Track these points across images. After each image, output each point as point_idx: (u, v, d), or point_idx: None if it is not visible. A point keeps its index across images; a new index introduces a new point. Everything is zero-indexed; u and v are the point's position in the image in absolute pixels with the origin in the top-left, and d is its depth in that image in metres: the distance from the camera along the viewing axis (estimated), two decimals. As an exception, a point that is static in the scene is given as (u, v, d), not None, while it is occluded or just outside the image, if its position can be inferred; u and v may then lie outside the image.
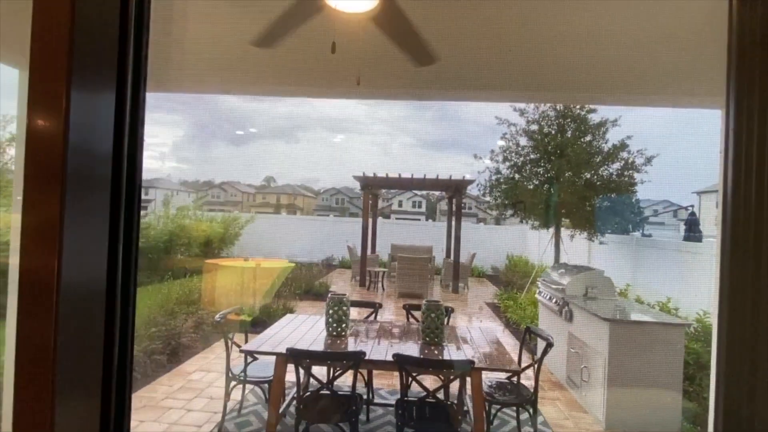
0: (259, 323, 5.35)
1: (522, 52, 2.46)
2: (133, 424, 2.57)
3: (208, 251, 9.79)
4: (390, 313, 7.38)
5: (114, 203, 0.47)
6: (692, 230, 8.19)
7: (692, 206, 9.26)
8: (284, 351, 2.70)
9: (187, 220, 9.96)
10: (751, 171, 0.51)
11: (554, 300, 4.80)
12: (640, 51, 2.36)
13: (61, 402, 0.37)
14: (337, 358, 2.87)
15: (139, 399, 3.74)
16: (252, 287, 6.23)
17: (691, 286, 5.77)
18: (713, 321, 2.86)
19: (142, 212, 10.00)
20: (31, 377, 0.40)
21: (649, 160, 7.01)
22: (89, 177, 0.45)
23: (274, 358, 2.95)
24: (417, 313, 3.79)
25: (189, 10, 1.89)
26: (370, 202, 11.20)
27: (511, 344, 5.66)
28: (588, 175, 7.25)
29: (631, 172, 7.14)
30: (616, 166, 7.19)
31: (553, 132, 7.41)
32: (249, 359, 3.40)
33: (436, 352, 3.09)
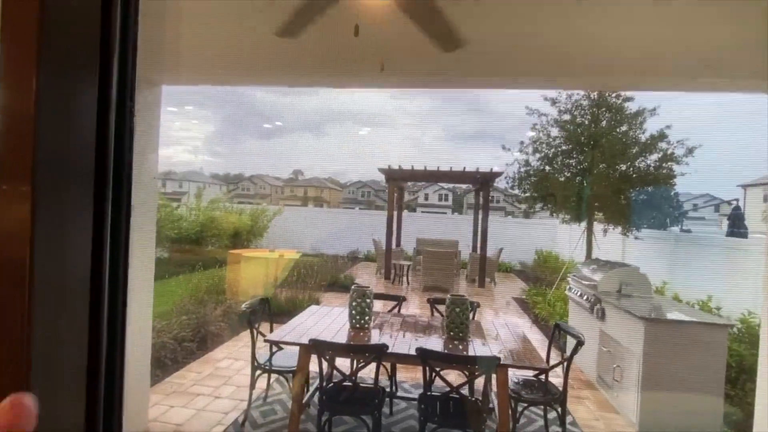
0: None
1: (554, 34, 2.34)
2: (163, 408, 2.63)
3: (237, 242, 10.02)
4: (415, 307, 7.34)
5: (99, 194, 0.44)
6: (737, 225, 7.72)
7: (737, 200, 8.73)
8: (307, 342, 2.70)
9: (217, 212, 10.21)
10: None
11: (585, 297, 4.63)
12: (681, 29, 2.19)
13: (38, 398, 0.34)
14: (359, 350, 2.86)
15: (169, 385, 3.86)
16: (275, 277, 6.32)
17: (735, 284, 5.44)
18: (764, 321, 2.66)
19: (175, 204, 10.29)
20: (3, 373, 0.37)
21: (690, 151, 6.60)
22: (67, 166, 0.42)
23: (298, 348, 2.97)
24: (441, 308, 3.73)
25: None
26: (396, 195, 11.14)
27: (538, 340, 5.52)
28: (623, 167, 6.90)
29: (670, 163, 6.75)
30: (654, 157, 6.81)
31: (586, 122, 7.10)
32: (274, 349, 3.44)
33: (460, 347, 3.02)
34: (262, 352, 3.42)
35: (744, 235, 7.11)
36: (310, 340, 2.66)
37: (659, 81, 2.99)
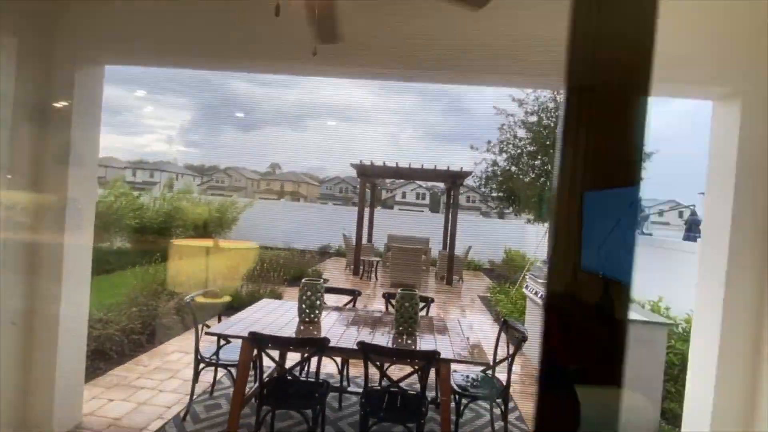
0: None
1: (507, 31, 2.35)
2: (100, 402, 2.53)
3: (204, 234, 9.78)
4: (380, 303, 7.33)
5: None
6: (692, 230, 8.01)
7: (693, 205, 9.07)
8: (247, 335, 2.65)
9: (184, 202, 9.93)
10: None
11: (540, 295, 4.72)
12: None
13: None
14: (299, 344, 2.81)
15: (113, 377, 3.73)
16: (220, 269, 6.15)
17: (684, 285, 5.64)
18: (695, 319, 2.76)
19: (136, 192, 9.87)
20: None
21: (648, 156, 6.81)
22: None
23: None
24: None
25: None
26: (368, 191, 11.11)
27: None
28: (586, 170, 7.05)
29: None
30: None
31: (552, 124, 7.23)
32: (222, 342, 3.36)
33: (408, 341, 3.02)
34: (214, 346, 3.34)
35: (695, 239, 7.38)
36: (250, 333, 2.60)
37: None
